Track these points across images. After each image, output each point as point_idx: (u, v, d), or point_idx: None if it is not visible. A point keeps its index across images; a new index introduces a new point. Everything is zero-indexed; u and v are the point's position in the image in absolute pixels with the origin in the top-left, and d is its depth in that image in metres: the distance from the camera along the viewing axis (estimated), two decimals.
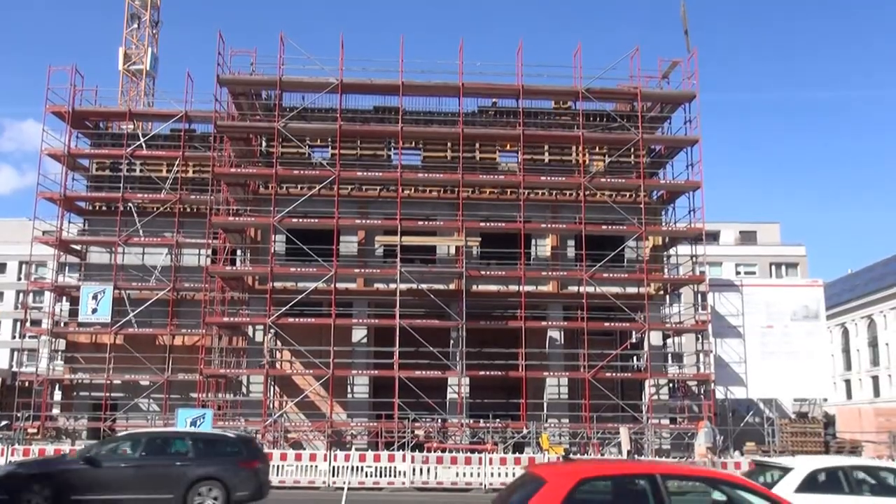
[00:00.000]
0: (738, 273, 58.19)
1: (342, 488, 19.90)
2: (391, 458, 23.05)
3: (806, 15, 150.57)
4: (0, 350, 68.18)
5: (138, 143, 34.11)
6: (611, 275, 31.47)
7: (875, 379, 62.66)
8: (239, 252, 33.92)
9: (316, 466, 22.77)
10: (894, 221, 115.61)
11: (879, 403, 53.50)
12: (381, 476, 22.75)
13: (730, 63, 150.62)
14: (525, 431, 28.87)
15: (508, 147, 34.29)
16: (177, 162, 33.87)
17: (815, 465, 11.45)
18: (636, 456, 24.55)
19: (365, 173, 32.00)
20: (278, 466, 22.61)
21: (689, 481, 8.14)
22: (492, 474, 22.89)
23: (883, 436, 32.58)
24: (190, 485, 14.46)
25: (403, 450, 25.47)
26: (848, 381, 66.31)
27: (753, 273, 59.23)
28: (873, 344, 63.22)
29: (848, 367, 66.63)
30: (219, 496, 14.51)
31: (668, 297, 35.38)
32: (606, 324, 31.74)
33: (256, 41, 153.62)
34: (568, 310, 32.56)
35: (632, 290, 31.92)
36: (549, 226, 32.44)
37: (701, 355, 33.04)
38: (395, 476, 22.76)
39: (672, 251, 35.46)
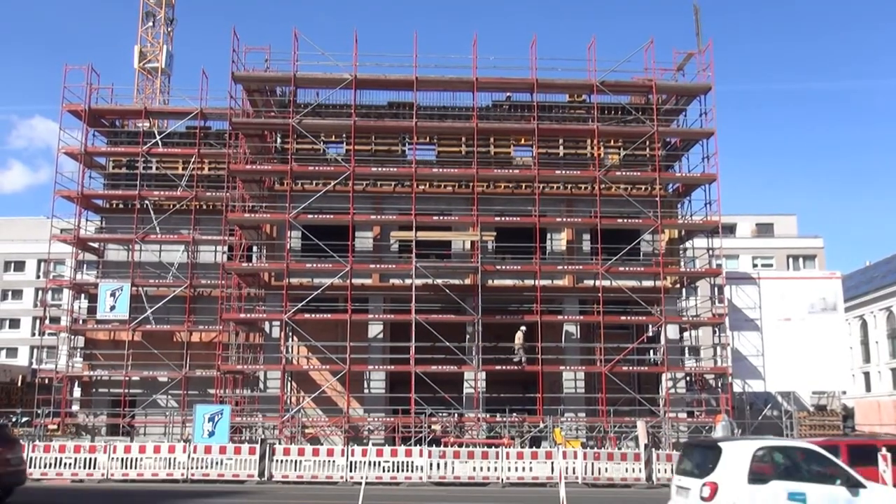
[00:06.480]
0: (754, 266, 58.00)
1: (360, 483, 19.95)
2: (408, 453, 23.15)
3: (824, 2, 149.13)
4: (20, 347, 69.11)
5: (154, 140, 34.32)
6: (627, 268, 31.33)
7: (894, 371, 62.12)
8: (255, 248, 34.07)
9: (333, 462, 22.88)
10: None
11: None
12: (398, 471, 22.86)
13: (745, 53, 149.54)
14: (542, 425, 28.88)
15: (523, 141, 34.17)
16: (192, 159, 34.08)
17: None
18: (653, 450, 24.47)
19: (379, 169, 32.01)
20: (296, 462, 22.83)
21: None
22: (509, 469, 22.99)
23: None
24: None
25: (420, 445, 25.53)
26: (867, 374, 65.79)
27: (770, 265, 59.01)
28: (892, 336, 62.68)
29: (867, 359, 66.08)
30: None
31: (684, 290, 35.23)
32: (623, 317, 31.64)
33: (270, 38, 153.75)
34: (584, 304, 32.48)
35: (648, 283, 31.75)
36: (564, 220, 32.33)
37: (718, 348, 32.90)
38: (412, 471, 22.85)
39: (688, 244, 35.24)
